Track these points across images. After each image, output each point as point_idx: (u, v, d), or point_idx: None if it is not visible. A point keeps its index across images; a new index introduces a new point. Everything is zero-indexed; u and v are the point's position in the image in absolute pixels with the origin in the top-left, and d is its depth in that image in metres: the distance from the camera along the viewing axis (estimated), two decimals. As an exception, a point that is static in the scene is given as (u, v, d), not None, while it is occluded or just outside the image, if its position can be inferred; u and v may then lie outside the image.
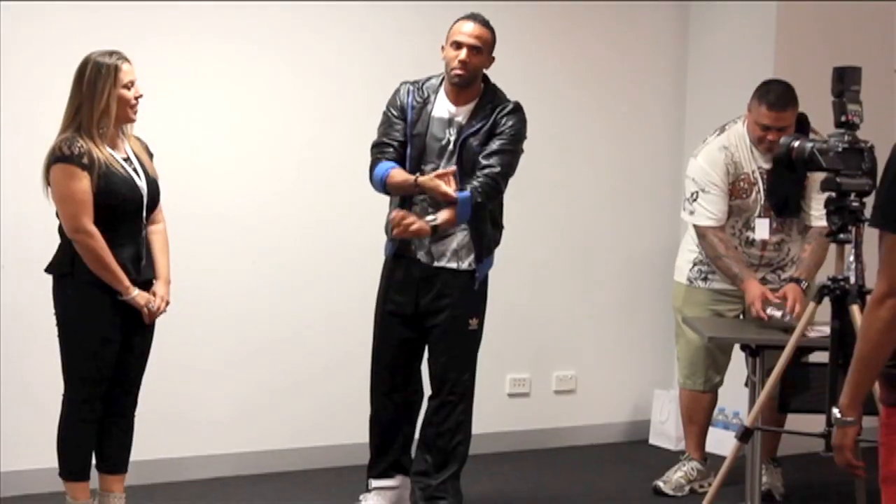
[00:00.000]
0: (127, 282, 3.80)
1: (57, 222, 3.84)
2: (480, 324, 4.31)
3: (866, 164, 3.62)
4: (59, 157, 3.71)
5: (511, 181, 5.53)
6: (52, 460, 3.92)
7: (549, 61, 5.65)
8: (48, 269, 3.87)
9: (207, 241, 4.83)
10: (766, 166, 4.64)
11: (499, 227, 4.32)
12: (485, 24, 4.17)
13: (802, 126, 4.55)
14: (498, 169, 4.12)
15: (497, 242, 4.32)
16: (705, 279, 4.82)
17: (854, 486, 4.05)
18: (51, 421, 3.91)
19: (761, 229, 4.67)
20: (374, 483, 4.32)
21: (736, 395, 4.99)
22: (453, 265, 4.18)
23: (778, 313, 4.37)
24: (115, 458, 3.98)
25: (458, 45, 4.11)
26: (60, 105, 3.82)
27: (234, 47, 4.90)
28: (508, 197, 5.54)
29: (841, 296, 3.63)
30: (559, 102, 5.69)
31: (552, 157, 5.69)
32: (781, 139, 3.68)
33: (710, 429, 5.10)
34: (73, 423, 3.87)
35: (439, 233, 4.08)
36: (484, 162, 4.12)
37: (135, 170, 3.86)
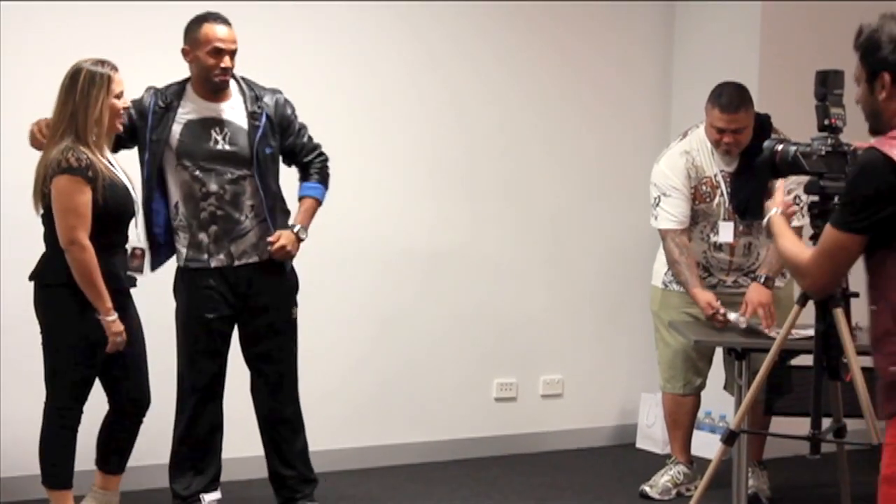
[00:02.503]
0: (109, 303, 3.80)
1: (42, 229, 3.84)
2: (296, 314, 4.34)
3: (849, 167, 3.63)
4: (66, 169, 3.73)
5: (496, 183, 5.58)
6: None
7: (534, 61, 5.66)
8: (32, 278, 3.88)
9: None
10: (729, 169, 4.67)
11: (287, 213, 4.30)
12: (230, 23, 4.13)
13: (764, 128, 4.55)
14: (320, 151, 4.32)
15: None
16: (679, 282, 4.83)
17: (840, 488, 4.05)
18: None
19: (725, 232, 4.70)
20: (208, 497, 4.27)
21: (722, 399, 4.99)
22: (255, 259, 4.19)
23: (739, 320, 4.41)
24: (115, 459, 4.06)
25: (217, 52, 4.06)
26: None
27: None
28: (495, 202, 5.59)
29: (825, 299, 3.63)
30: (544, 102, 5.70)
31: (537, 159, 5.70)
32: (765, 143, 3.68)
33: (697, 432, 5.11)
34: (56, 431, 3.89)
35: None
36: (305, 154, 4.28)
37: (127, 178, 3.92)
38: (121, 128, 3.93)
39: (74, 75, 3.80)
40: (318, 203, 4.30)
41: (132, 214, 3.93)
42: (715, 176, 4.69)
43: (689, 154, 4.71)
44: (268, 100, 4.19)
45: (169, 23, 4.74)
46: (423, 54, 5.40)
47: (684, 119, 5.62)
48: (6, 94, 4.49)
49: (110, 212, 3.80)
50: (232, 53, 4.09)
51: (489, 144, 5.59)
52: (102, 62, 3.83)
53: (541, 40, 5.68)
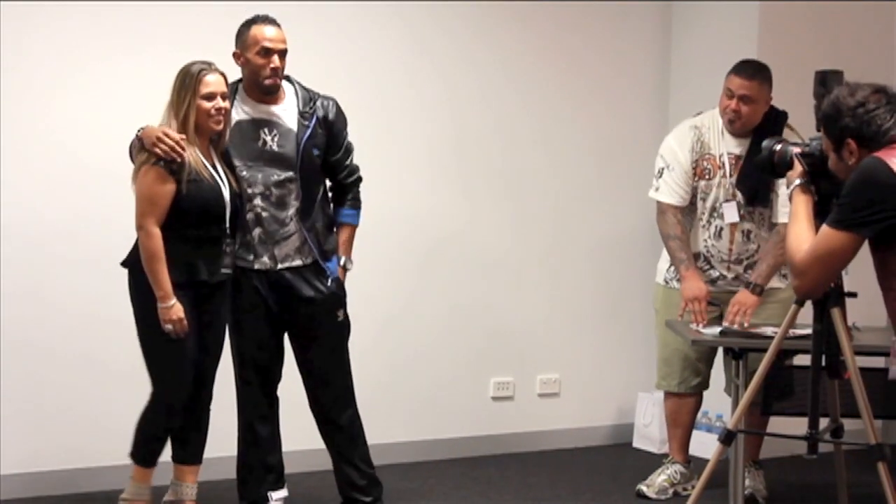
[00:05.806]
0: (165, 290, 3.87)
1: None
2: (346, 315, 4.31)
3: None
4: (151, 159, 3.88)
5: (493, 182, 5.59)
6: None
7: (532, 60, 5.66)
8: (124, 263, 4.00)
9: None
10: (736, 152, 4.66)
11: (331, 223, 4.30)
12: (279, 25, 4.13)
13: (778, 120, 4.56)
14: (358, 174, 4.32)
15: (336, 244, 4.31)
16: (680, 280, 4.82)
17: (837, 489, 4.06)
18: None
19: (730, 213, 4.69)
20: (276, 495, 4.33)
21: (719, 399, 4.99)
22: (298, 262, 4.19)
23: (707, 331, 4.41)
24: (191, 450, 4.16)
25: (266, 52, 4.05)
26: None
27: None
28: (492, 200, 5.59)
29: (822, 299, 3.63)
30: (542, 103, 5.70)
31: (534, 157, 5.70)
32: (763, 142, 3.68)
33: (694, 432, 5.11)
34: (156, 423, 4.02)
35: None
36: (345, 176, 4.27)
37: (220, 179, 4.00)
38: (217, 128, 3.97)
39: (176, 75, 3.94)
40: (355, 229, 4.32)
41: (219, 213, 3.98)
42: (721, 156, 4.69)
43: (699, 129, 4.73)
44: (321, 103, 4.18)
45: (169, 21, 4.77)
46: (420, 52, 5.40)
47: (682, 118, 5.61)
48: (6, 94, 4.49)
49: (191, 206, 3.90)
50: (281, 53, 4.07)
51: (486, 142, 5.59)
52: (202, 62, 3.94)
53: (539, 39, 5.68)
